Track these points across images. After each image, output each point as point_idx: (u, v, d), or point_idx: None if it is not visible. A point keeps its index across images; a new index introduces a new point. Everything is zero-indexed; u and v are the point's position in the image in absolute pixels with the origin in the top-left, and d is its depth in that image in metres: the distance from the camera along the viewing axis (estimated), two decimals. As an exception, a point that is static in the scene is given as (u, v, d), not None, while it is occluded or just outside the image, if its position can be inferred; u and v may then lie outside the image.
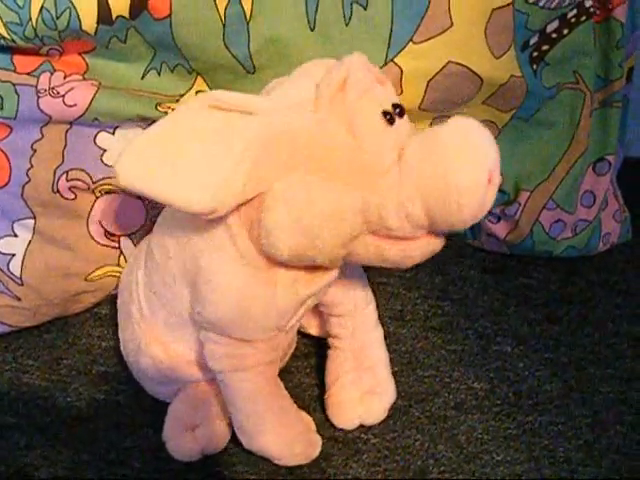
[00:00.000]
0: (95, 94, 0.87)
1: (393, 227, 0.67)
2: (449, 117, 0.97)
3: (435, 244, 0.69)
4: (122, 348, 0.89)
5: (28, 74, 0.85)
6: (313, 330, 0.94)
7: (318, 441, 0.84)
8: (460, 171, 0.63)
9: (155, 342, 0.83)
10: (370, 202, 0.66)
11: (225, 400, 0.81)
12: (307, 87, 0.70)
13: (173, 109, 0.89)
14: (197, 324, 0.79)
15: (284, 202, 0.67)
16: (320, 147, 0.67)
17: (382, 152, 0.67)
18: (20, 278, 0.92)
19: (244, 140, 0.67)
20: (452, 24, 0.89)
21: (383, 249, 0.69)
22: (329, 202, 0.66)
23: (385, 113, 0.68)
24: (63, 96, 0.86)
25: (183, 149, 0.68)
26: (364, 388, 0.86)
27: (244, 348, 0.77)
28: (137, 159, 0.68)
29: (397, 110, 0.69)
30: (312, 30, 0.87)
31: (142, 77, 0.89)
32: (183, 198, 0.67)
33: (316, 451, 0.83)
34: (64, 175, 0.90)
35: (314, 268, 0.74)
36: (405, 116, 0.70)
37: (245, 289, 0.74)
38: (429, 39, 0.89)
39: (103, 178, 0.92)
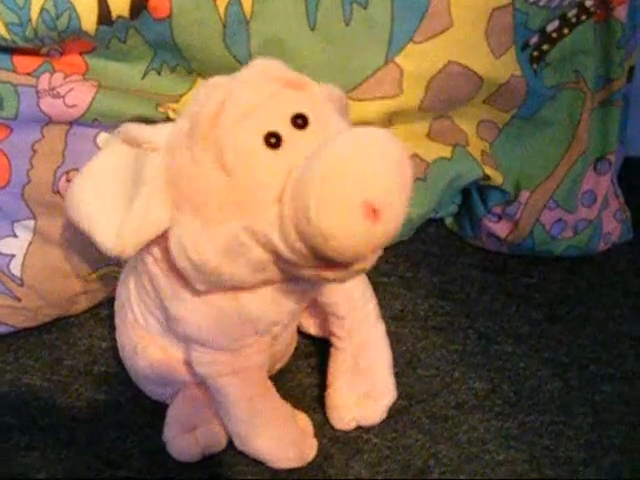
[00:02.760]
0: (95, 94, 0.87)
1: (285, 257, 0.62)
2: (452, 118, 1.00)
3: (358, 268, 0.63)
4: (120, 351, 0.89)
5: (28, 74, 0.85)
6: (313, 330, 0.94)
7: (314, 444, 0.83)
8: (318, 210, 0.56)
9: (152, 344, 0.83)
10: (256, 232, 0.62)
11: (216, 404, 0.81)
12: (190, 115, 0.65)
13: (173, 109, 0.89)
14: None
15: (180, 250, 0.66)
16: (197, 188, 0.63)
17: (263, 186, 0.61)
18: (20, 279, 0.92)
19: (145, 178, 0.65)
20: (452, 24, 0.89)
21: (300, 273, 0.65)
22: (215, 245, 0.64)
23: (269, 136, 0.61)
24: (63, 96, 0.86)
25: (103, 188, 0.69)
26: (362, 390, 0.86)
27: (229, 355, 0.77)
28: (77, 192, 0.69)
29: (298, 121, 0.62)
30: (312, 30, 0.87)
31: (142, 77, 0.89)
32: (100, 240, 0.67)
33: (311, 454, 0.83)
34: (64, 176, 0.90)
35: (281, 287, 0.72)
36: (309, 126, 0.63)
37: (209, 312, 0.73)
38: (429, 39, 0.89)
39: (103, 178, 0.92)
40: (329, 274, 0.63)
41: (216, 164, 0.62)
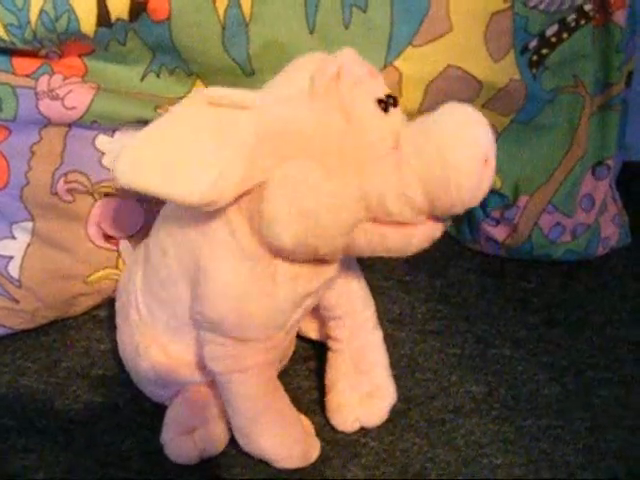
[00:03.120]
0: (94, 96, 0.87)
1: (394, 213, 0.67)
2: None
3: (436, 229, 0.69)
4: (120, 351, 0.89)
5: (27, 76, 0.85)
6: (312, 334, 0.94)
7: (317, 444, 0.84)
8: (457, 151, 0.64)
9: (154, 345, 0.83)
10: (369, 189, 0.66)
11: (224, 402, 0.81)
12: (301, 79, 0.70)
13: (172, 111, 0.89)
14: (197, 324, 0.79)
15: (284, 190, 0.68)
16: (317, 135, 0.67)
17: (378, 138, 0.67)
18: (18, 280, 0.92)
19: (240, 133, 0.68)
20: (451, 28, 0.89)
21: (384, 236, 0.69)
22: (328, 190, 0.67)
23: (380, 101, 0.68)
24: (62, 98, 0.86)
25: (180, 145, 0.69)
26: (363, 391, 0.86)
27: (243, 348, 0.77)
28: (135, 158, 0.69)
29: (391, 100, 0.69)
30: (311, 33, 0.88)
31: (141, 79, 0.89)
32: (182, 191, 0.67)
33: (315, 454, 0.83)
34: (63, 177, 0.90)
35: (314, 264, 0.74)
36: (398, 106, 0.70)
37: (245, 285, 0.74)
38: (428, 42, 0.89)
39: (102, 180, 0.92)
40: (415, 231, 0.69)
41: (339, 117, 0.67)
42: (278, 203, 0.68)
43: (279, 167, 0.68)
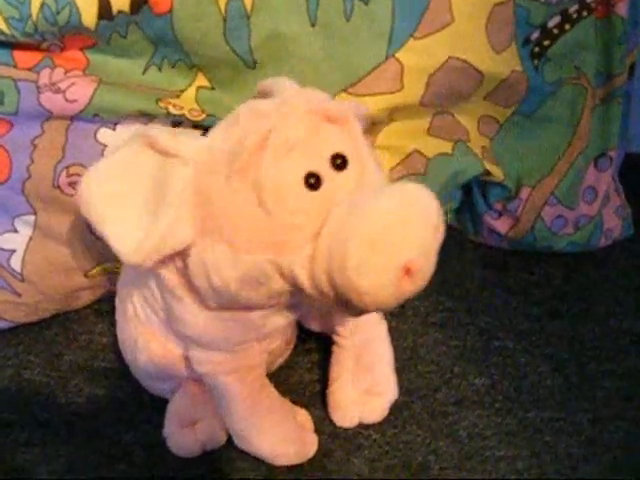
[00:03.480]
0: (96, 90, 0.87)
1: (308, 293, 0.62)
2: (453, 114, 0.99)
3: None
4: (120, 345, 0.89)
5: (29, 70, 0.85)
6: (314, 326, 0.94)
7: (314, 440, 0.83)
8: (358, 269, 0.57)
9: (152, 339, 0.83)
10: (284, 268, 0.62)
11: (215, 402, 0.81)
12: (234, 138, 0.63)
13: (174, 104, 0.89)
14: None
15: (200, 270, 0.65)
16: (230, 218, 0.62)
17: (298, 227, 0.61)
18: (21, 274, 0.92)
19: (171, 191, 0.64)
20: (453, 19, 0.89)
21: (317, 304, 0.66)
22: (233, 273, 0.63)
23: (309, 176, 0.61)
24: (64, 92, 0.86)
25: (127, 189, 0.66)
26: (363, 387, 0.86)
27: (225, 355, 0.77)
28: (95, 188, 0.66)
29: (338, 162, 0.62)
30: (313, 26, 0.87)
31: (143, 72, 0.88)
32: (117, 248, 0.65)
33: (311, 451, 0.83)
34: (65, 171, 0.90)
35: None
36: (349, 167, 0.62)
37: (213, 319, 0.73)
38: (430, 34, 0.89)
39: (104, 174, 0.92)
40: (346, 312, 0.65)
41: (254, 199, 0.61)
42: (195, 277, 0.66)
43: (197, 242, 0.64)
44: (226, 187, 0.62)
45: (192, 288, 0.70)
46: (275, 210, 0.60)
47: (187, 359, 0.82)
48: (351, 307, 0.60)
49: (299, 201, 0.61)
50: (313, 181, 0.60)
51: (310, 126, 0.62)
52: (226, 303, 0.68)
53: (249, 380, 0.79)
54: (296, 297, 0.66)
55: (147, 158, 0.66)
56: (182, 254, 0.66)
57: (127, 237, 0.64)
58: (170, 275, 0.71)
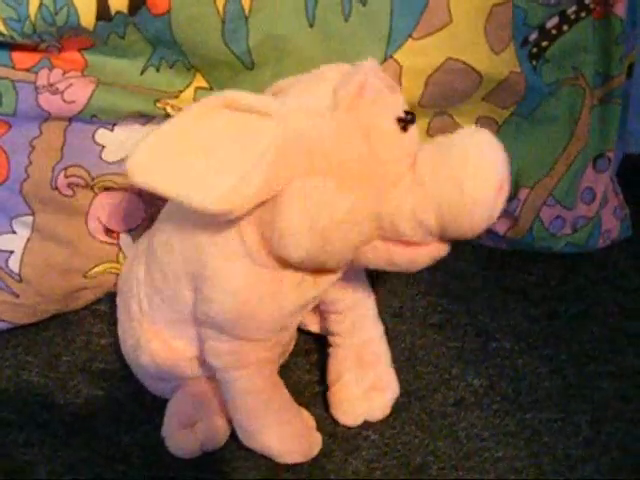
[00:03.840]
0: (94, 90, 0.87)
1: (405, 234, 0.67)
2: (451, 115, 0.99)
3: (442, 250, 0.70)
4: (121, 344, 0.89)
5: (27, 70, 0.85)
6: (313, 327, 0.94)
7: (318, 439, 0.84)
8: (474, 181, 0.64)
9: (155, 338, 0.83)
10: (383, 210, 0.67)
11: (224, 398, 0.81)
12: (323, 92, 0.69)
13: (172, 105, 0.89)
14: (199, 322, 0.79)
15: (298, 205, 0.67)
16: (336, 154, 0.66)
17: (396, 160, 0.67)
18: (19, 275, 0.92)
19: (259, 142, 0.67)
20: (451, 20, 0.89)
21: (392, 254, 0.69)
22: (342, 208, 0.66)
23: (399, 120, 0.68)
24: (62, 92, 0.86)
25: (197, 148, 0.67)
26: (367, 384, 0.86)
27: (245, 346, 0.77)
28: (150, 156, 0.67)
29: (409, 117, 0.69)
30: (311, 26, 0.87)
31: (141, 73, 0.89)
32: (197, 197, 0.66)
33: (316, 449, 0.83)
34: (63, 172, 0.90)
35: (320, 271, 0.74)
36: (415, 124, 0.69)
37: (251, 289, 0.74)
38: (428, 35, 0.89)
39: (102, 175, 0.92)
40: (423, 250, 0.70)
41: (359, 136, 0.67)
42: (292, 217, 0.68)
43: (296, 181, 0.67)
44: (332, 127, 0.67)
45: (265, 247, 0.72)
46: (377, 145, 0.67)
47: (191, 359, 0.83)
48: (449, 236, 0.68)
49: (395, 138, 0.67)
50: (403, 124, 0.68)
51: (385, 85, 0.70)
52: (314, 252, 0.69)
53: (261, 376, 0.80)
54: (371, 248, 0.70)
55: (224, 116, 0.68)
56: (266, 203, 0.69)
57: (214, 187, 0.66)
58: (251, 228, 0.72)
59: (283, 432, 0.81)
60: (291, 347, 0.90)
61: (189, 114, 0.69)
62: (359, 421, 0.86)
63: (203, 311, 0.77)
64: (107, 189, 0.94)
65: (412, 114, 0.69)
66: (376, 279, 0.96)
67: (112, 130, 0.91)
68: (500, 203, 0.66)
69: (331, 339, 0.89)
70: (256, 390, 0.79)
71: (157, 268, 0.81)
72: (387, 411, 0.87)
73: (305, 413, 0.85)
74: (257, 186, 0.66)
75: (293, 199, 0.67)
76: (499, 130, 1.01)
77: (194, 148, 0.67)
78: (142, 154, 0.67)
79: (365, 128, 0.67)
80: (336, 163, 0.66)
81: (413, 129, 0.69)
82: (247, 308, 0.75)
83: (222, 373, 0.80)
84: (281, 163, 0.67)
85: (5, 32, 0.80)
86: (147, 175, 0.67)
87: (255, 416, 0.80)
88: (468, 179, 0.64)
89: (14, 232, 0.91)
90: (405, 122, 0.68)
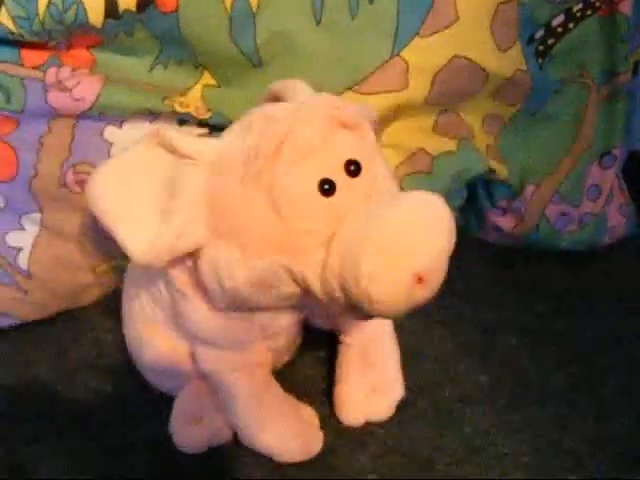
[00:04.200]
0: (102, 88, 0.87)
1: (319, 298, 0.63)
2: (458, 113, 0.99)
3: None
4: (127, 343, 0.89)
5: (35, 68, 0.85)
6: (321, 324, 0.94)
7: (319, 437, 0.83)
8: (376, 261, 0.57)
9: (158, 336, 0.83)
10: (296, 272, 0.62)
11: (220, 400, 0.82)
12: (243, 143, 0.64)
13: (180, 102, 0.89)
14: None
15: (211, 272, 0.66)
16: (244, 222, 0.62)
17: (307, 233, 0.61)
18: (28, 271, 0.93)
19: (184, 190, 0.64)
20: (458, 18, 0.89)
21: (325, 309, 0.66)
22: (239, 278, 0.64)
23: (323, 182, 0.61)
24: (70, 90, 0.86)
25: (133, 188, 0.66)
26: (370, 386, 0.86)
27: (231, 353, 0.78)
28: (101, 183, 0.66)
29: (352, 168, 0.62)
30: (318, 24, 0.88)
31: (149, 71, 0.89)
32: (128, 245, 0.65)
33: (317, 447, 0.82)
34: (71, 169, 0.90)
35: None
36: (362, 173, 0.62)
37: (221, 320, 0.74)
38: (435, 33, 0.90)
39: (110, 171, 0.92)
40: (356, 317, 0.66)
41: (267, 204, 0.61)
42: (205, 276, 0.67)
43: (209, 243, 0.64)
44: (240, 191, 0.62)
45: (201, 288, 0.70)
46: (289, 215, 0.60)
47: (193, 356, 0.83)
48: (361, 313, 0.61)
49: (313, 207, 0.61)
50: (327, 187, 0.60)
51: (325, 132, 0.62)
52: (235, 304, 0.69)
53: (254, 378, 0.80)
54: (306, 300, 0.66)
55: (159, 157, 0.66)
56: (192, 255, 0.67)
57: (138, 236, 0.65)
58: (179, 274, 0.72)
59: (279, 432, 0.81)
60: (294, 349, 0.90)
61: (136, 149, 0.67)
62: (359, 422, 0.86)
63: (181, 323, 0.78)
64: (115, 186, 0.94)
65: (356, 163, 0.62)
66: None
67: (120, 127, 0.91)
68: (420, 294, 0.59)
69: (339, 337, 0.89)
70: (247, 393, 0.79)
71: (150, 275, 0.81)
72: (389, 414, 0.86)
73: (307, 410, 0.84)
74: (171, 238, 0.64)
75: (206, 265, 0.66)
76: (505, 127, 1.01)
77: (135, 187, 0.66)
78: (96, 184, 0.66)
79: (274, 199, 0.60)
80: (241, 231, 0.62)
81: (354, 182, 0.62)
82: (221, 332, 0.75)
83: (212, 377, 0.80)
84: (199, 219, 0.64)
85: (14, 30, 0.80)
86: (97, 203, 0.66)
87: (249, 418, 0.80)
88: (364, 275, 0.57)
89: (23, 229, 0.92)
90: (331, 185, 0.61)
